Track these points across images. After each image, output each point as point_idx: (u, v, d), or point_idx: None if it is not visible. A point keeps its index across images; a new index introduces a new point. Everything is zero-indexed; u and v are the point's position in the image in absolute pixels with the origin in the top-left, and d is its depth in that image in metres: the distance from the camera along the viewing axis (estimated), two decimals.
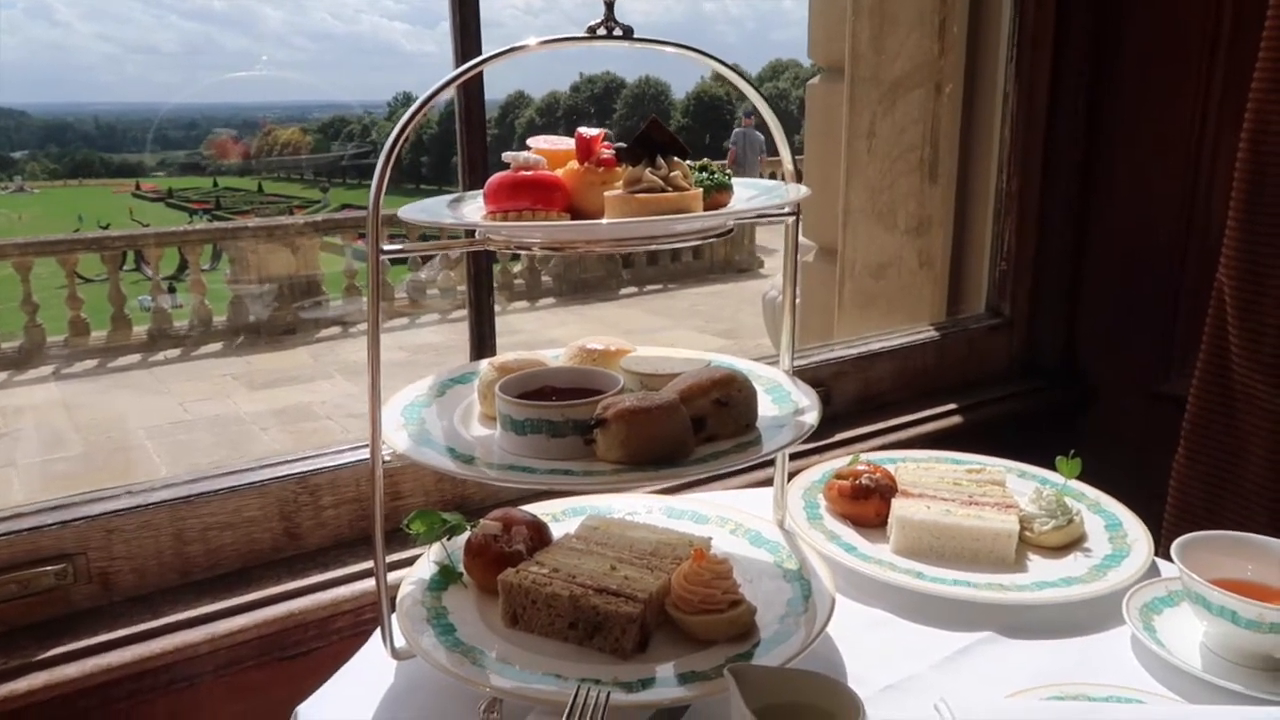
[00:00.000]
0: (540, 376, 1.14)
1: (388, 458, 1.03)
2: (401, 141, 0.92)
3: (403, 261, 10.48)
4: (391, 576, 1.20)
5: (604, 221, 0.98)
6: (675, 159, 1.02)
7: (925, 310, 2.78)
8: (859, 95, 2.89)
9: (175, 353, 8.78)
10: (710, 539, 1.21)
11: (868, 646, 1.18)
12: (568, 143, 1.13)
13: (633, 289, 10.80)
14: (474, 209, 1.07)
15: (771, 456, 1.03)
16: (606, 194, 1.01)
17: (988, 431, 2.35)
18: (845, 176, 2.97)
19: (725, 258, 11.92)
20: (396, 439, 1.04)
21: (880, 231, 2.93)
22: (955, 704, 0.97)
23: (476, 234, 1.04)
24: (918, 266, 2.89)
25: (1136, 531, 1.40)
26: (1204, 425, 1.92)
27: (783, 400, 1.16)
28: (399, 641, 1.09)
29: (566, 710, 0.92)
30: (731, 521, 1.34)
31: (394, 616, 1.12)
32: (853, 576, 1.29)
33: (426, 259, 9.74)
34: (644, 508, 1.38)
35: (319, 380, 8.41)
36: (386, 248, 0.97)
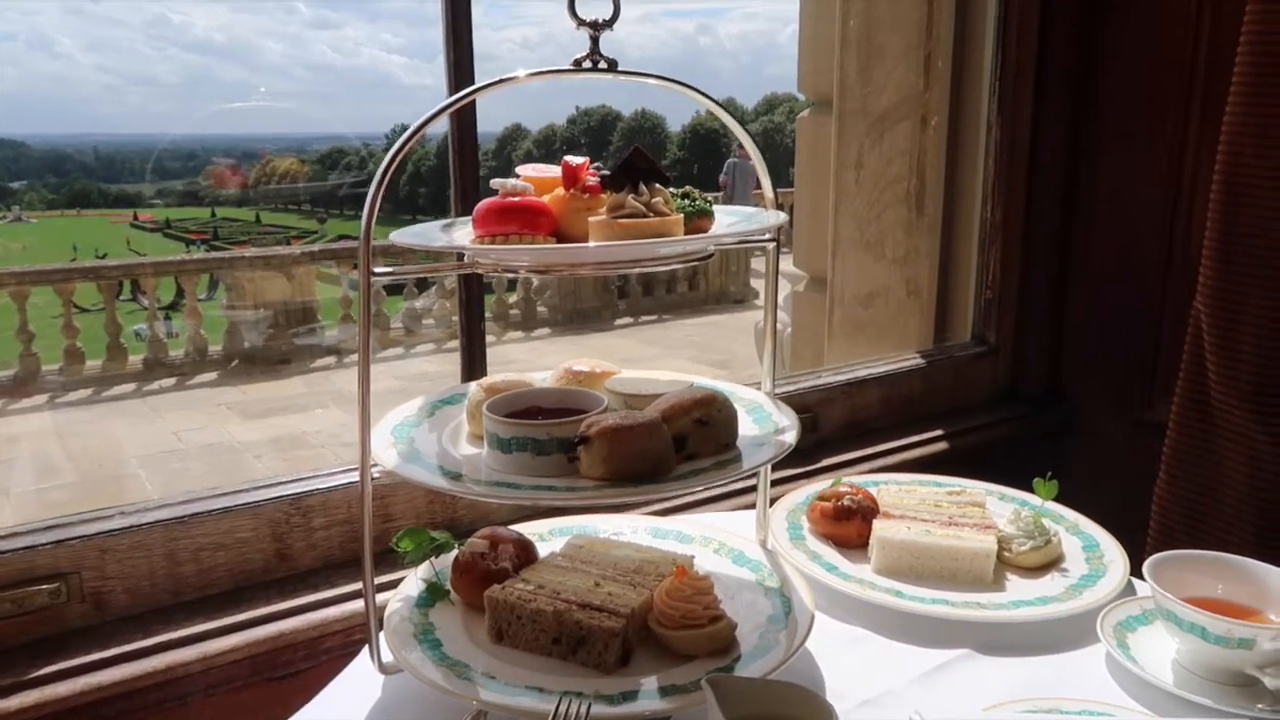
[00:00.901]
0: (527, 397, 1.17)
1: (377, 475, 1.06)
2: (393, 167, 0.96)
3: (399, 291, 10.52)
4: (380, 597, 1.22)
5: (589, 245, 1.01)
6: (657, 185, 1.05)
7: (913, 338, 2.82)
8: (847, 127, 2.95)
9: (170, 382, 8.79)
10: (693, 557, 1.23)
11: (846, 663, 1.20)
12: (555, 170, 1.17)
13: (628, 319, 10.86)
14: (464, 234, 1.11)
15: (752, 474, 1.06)
16: (591, 219, 1.05)
17: (973, 457, 2.38)
18: (834, 207, 3.03)
19: (720, 289, 11.99)
20: (385, 456, 1.07)
21: (869, 261, 2.98)
22: (930, 717, 0.99)
23: (466, 257, 1.07)
24: (905, 295, 2.93)
25: (1113, 553, 1.43)
26: (1183, 451, 1.95)
27: (763, 420, 1.19)
28: (386, 657, 1.11)
29: (550, 718, 0.94)
30: (715, 541, 1.37)
31: (381, 633, 1.14)
32: (833, 595, 1.31)
33: (422, 289, 9.81)
34: (630, 528, 1.41)
35: (313, 409, 8.42)
36: (378, 270, 1.00)
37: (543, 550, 1.28)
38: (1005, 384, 2.67)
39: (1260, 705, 1.11)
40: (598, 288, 10.96)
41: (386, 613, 1.17)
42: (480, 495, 1.01)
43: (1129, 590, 1.34)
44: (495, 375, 1.24)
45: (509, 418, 1.08)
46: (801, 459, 2.13)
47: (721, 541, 1.36)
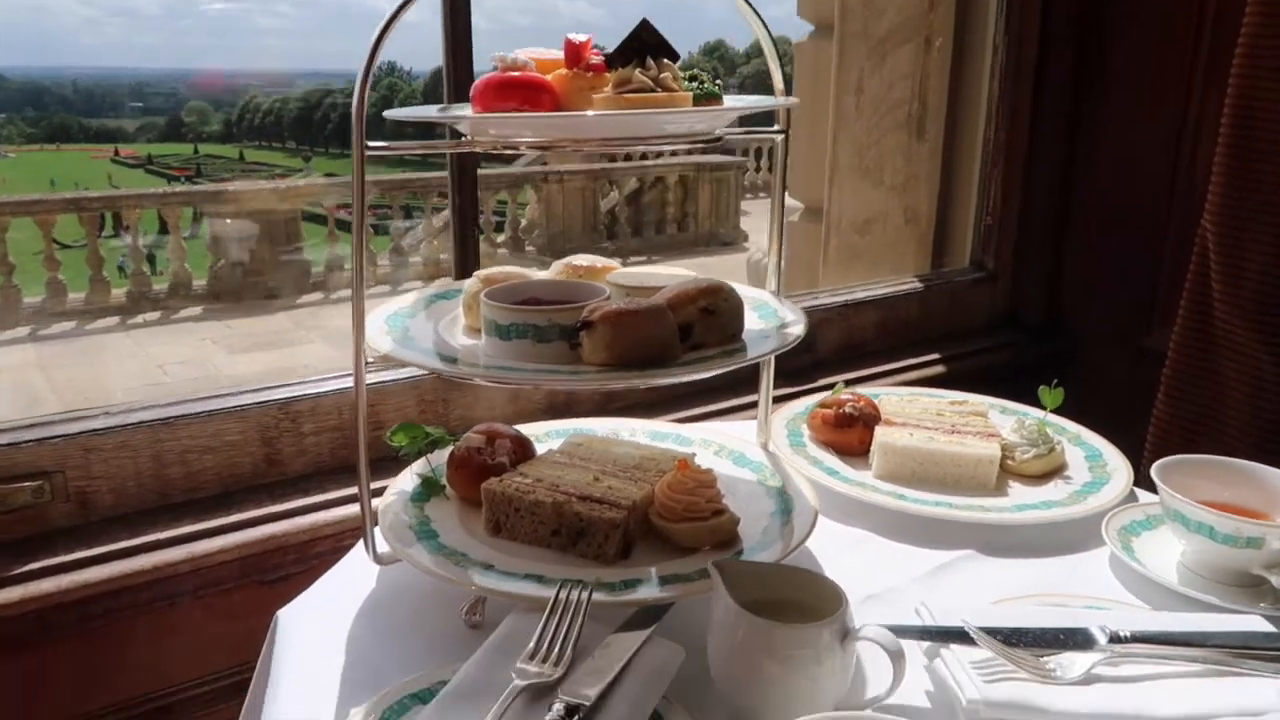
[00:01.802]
0: (526, 288, 1.13)
1: (370, 360, 1.02)
2: (388, 30, 0.91)
3: (384, 231, 10.38)
4: (375, 499, 1.19)
5: (592, 114, 0.97)
6: (666, 61, 1.00)
7: (910, 266, 2.78)
8: (848, 51, 2.87)
9: (154, 316, 8.69)
10: (694, 453, 1.20)
11: (849, 563, 1.18)
12: (556, 53, 1.11)
13: (616, 261, 10.76)
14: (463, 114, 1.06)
15: (757, 361, 1.03)
16: (595, 97, 1.00)
17: (969, 383, 2.36)
18: (832, 134, 2.96)
19: (710, 230, 11.92)
20: (380, 342, 1.03)
21: (866, 188, 2.93)
22: (936, 607, 0.98)
23: (464, 136, 1.03)
24: (903, 222, 2.89)
25: (1116, 461, 1.41)
26: (1184, 371, 1.93)
27: (769, 316, 1.16)
28: (382, 548, 1.09)
29: (548, 607, 0.92)
30: (715, 444, 1.34)
31: (376, 527, 1.11)
32: (834, 498, 1.29)
33: (408, 228, 9.69)
34: (627, 430, 1.38)
35: (300, 345, 8.35)
36: (372, 144, 0.96)
37: (540, 450, 1.25)
38: (1003, 310, 2.64)
39: (1262, 604, 1.10)
40: (586, 229, 10.86)
41: (381, 506, 1.15)
42: (479, 378, 0.98)
43: (1131, 499, 1.33)
44: (493, 268, 1.20)
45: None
46: (797, 379, 2.10)
47: (721, 444, 1.34)
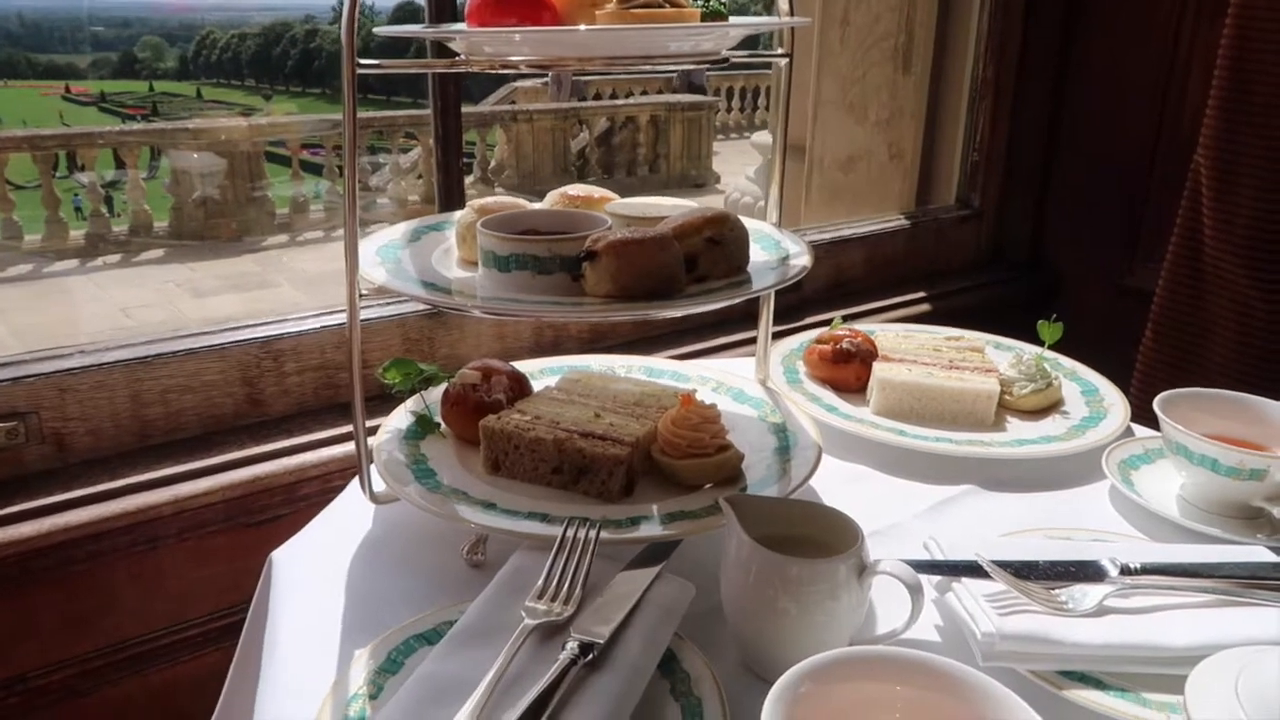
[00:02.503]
0: (524, 218, 1.09)
1: (364, 292, 0.98)
2: None
3: None
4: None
5: (595, 28, 0.92)
6: None
7: (893, 204, 2.75)
8: None
9: (115, 259, 8.49)
10: (695, 390, 1.18)
11: (849, 499, 1.16)
12: None
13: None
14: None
15: (765, 293, 1.00)
16: (599, 14, 0.95)
17: (954, 320, 2.35)
18: (816, 68, 2.90)
19: (681, 172, 11.82)
20: (374, 273, 0.99)
21: (850, 123, 2.88)
22: (945, 541, 0.97)
23: (457, 55, 0.98)
24: (887, 159, 2.85)
25: (1113, 396, 1.41)
26: (1172, 307, 1.93)
27: (772, 248, 1.13)
28: (378, 486, 1.06)
29: (556, 544, 0.90)
30: (713, 380, 1.32)
31: (372, 465, 1.08)
32: (833, 434, 1.27)
33: (376, 169, 9.50)
34: (623, 366, 1.35)
35: (266, 289, 8.21)
36: (363, 62, 0.90)
37: (536, 387, 1.22)
38: (988, 248, 2.63)
39: (1260, 535, 1.10)
40: (556, 169, 10.72)
41: (375, 444, 1.11)
42: (478, 309, 0.94)
43: (1128, 434, 1.33)
44: (488, 198, 1.16)
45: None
46: (784, 317, 2.08)
47: (720, 381, 1.32)
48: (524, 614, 0.82)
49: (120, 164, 8.70)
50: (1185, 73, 2.28)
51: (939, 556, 0.95)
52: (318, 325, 1.56)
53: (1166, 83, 2.32)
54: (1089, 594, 0.89)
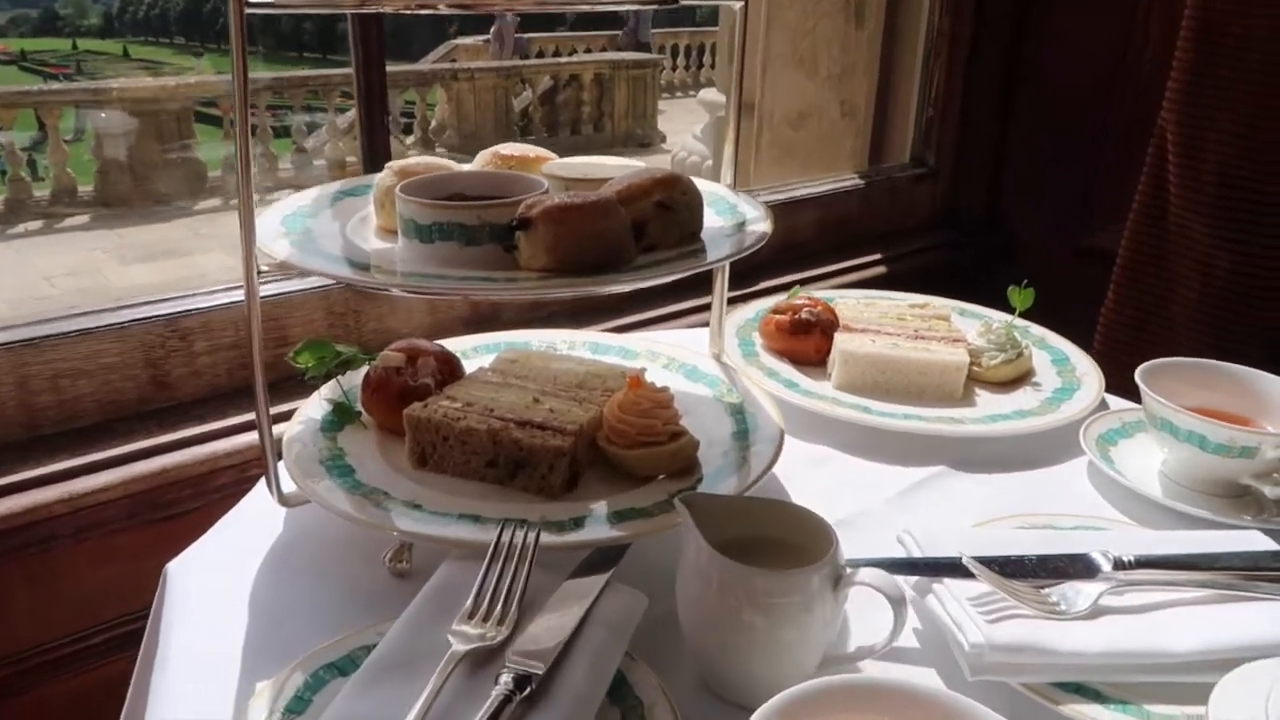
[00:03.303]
0: (450, 181, 0.96)
1: (264, 268, 0.85)
2: None
3: (286, 134, 9.81)
4: (278, 428, 1.04)
5: None
6: None
7: (845, 162, 2.66)
8: None
9: (36, 225, 8.09)
10: (644, 369, 1.07)
11: (813, 483, 1.08)
12: None
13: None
14: None
15: (721, 264, 0.90)
16: None
17: (909, 283, 2.28)
18: (765, 21, 2.79)
19: (626, 131, 11.62)
20: (276, 246, 0.87)
21: (801, 78, 2.78)
22: (921, 534, 0.88)
23: None
24: (839, 116, 2.75)
25: (1085, 365, 1.33)
26: (1135, 269, 1.87)
27: (727, 212, 1.02)
28: (287, 486, 0.94)
29: (489, 553, 0.79)
30: (663, 356, 1.21)
31: (280, 461, 0.96)
32: (794, 413, 1.18)
33: (312, 129, 9.16)
34: (565, 342, 1.24)
35: (198, 254, 7.90)
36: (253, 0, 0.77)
37: (468, 368, 1.11)
38: (941, 209, 2.55)
39: (1247, 516, 1.03)
40: (499, 129, 10.45)
41: (286, 437, 0.99)
42: (396, 288, 0.82)
43: (1103, 406, 1.25)
44: (410, 159, 1.03)
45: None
46: (734, 283, 1.96)
47: (671, 357, 1.21)
48: (451, 638, 0.71)
49: (42, 126, 8.27)
50: (1145, 29, 2.21)
51: (915, 552, 0.86)
52: (230, 300, 1.42)
53: (1126, 39, 2.25)
54: (1081, 593, 0.81)
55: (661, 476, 0.96)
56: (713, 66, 13.02)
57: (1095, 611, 0.79)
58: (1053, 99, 2.41)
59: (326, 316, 1.49)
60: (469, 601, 0.74)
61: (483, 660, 0.70)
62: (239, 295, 1.42)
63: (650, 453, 0.94)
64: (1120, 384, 1.24)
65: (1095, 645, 0.75)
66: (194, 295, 1.41)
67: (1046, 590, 0.81)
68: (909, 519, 1.01)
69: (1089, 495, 1.09)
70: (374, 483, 0.93)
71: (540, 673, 0.68)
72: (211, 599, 0.87)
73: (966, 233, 2.53)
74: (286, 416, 1.16)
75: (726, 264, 1.18)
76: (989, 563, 0.82)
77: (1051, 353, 1.37)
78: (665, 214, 0.91)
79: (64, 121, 8.29)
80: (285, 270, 0.84)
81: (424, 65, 11.73)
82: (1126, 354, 1.92)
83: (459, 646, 0.70)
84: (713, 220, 0.99)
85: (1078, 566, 0.84)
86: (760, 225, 0.97)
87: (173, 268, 7.48)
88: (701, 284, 1.88)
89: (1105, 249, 2.19)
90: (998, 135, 2.54)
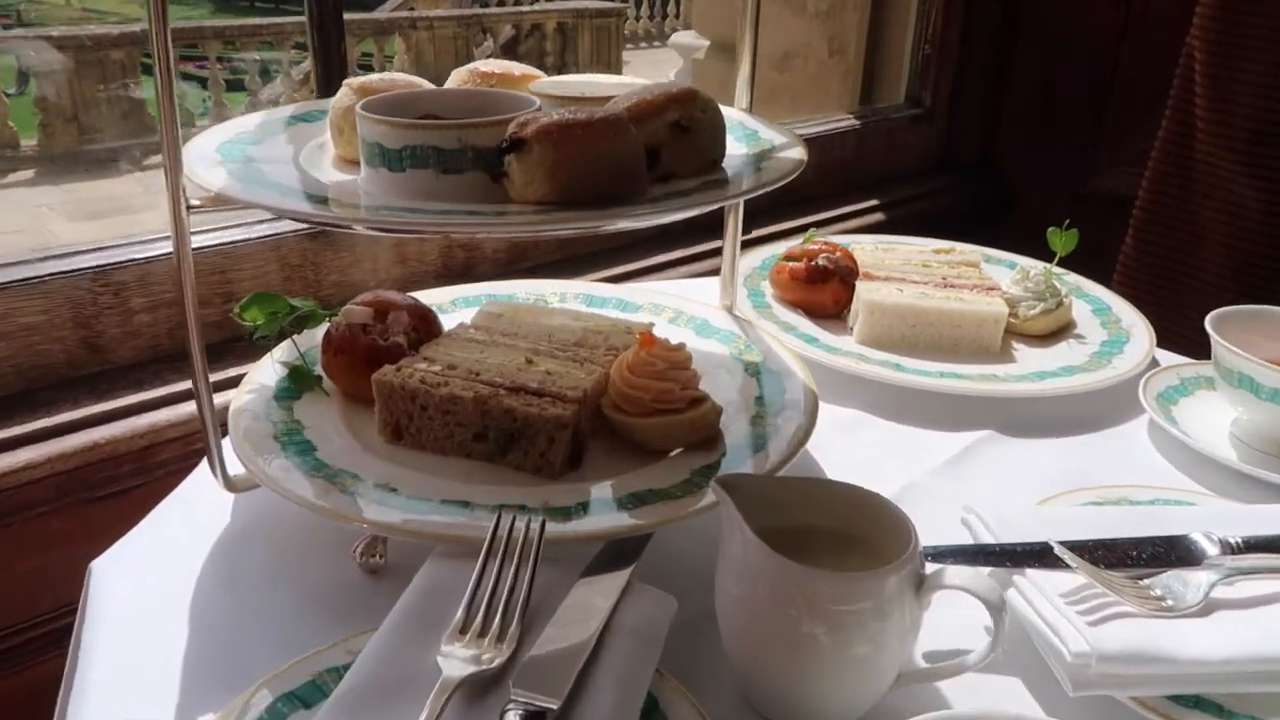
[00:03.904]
0: (421, 100, 0.80)
1: (195, 202, 0.69)
2: None
3: (240, 88, 9.43)
4: (226, 395, 0.88)
5: None
6: None
7: (834, 105, 2.51)
8: None
9: None
10: (653, 324, 0.93)
11: (845, 453, 0.95)
12: None
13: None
14: None
15: (750, 196, 0.75)
16: None
17: (907, 230, 2.15)
18: None
19: (589, 62, 11.33)
20: (210, 175, 0.71)
21: (786, 15, 2.61)
22: (990, 515, 0.75)
23: None
24: (827, 55, 2.60)
25: (1131, 316, 1.20)
26: (1158, 212, 1.75)
27: (750, 139, 0.87)
28: (235, 468, 0.78)
29: (485, 547, 0.64)
30: (669, 309, 1.07)
31: (227, 438, 0.81)
32: (815, 372, 1.04)
33: (266, 79, 8.80)
34: (555, 294, 1.09)
35: (148, 211, 7.58)
36: None
37: (447, 324, 0.95)
38: (938, 152, 2.41)
39: None
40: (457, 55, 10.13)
41: (233, 408, 0.84)
42: (361, 224, 0.67)
43: (1152, 361, 1.13)
44: (372, 75, 0.86)
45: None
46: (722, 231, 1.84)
47: (677, 310, 1.06)
48: (440, 662, 0.57)
49: None
50: None
51: (986, 537, 0.73)
52: (170, 250, 1.25)
53: None
54: (1189, 584, 0.68)
55: (679, 450, 0.81)
56: (678, 16, 12.72)
57: (1208, 606, 0.66)
58: (1057, 34, 2.27)
59: (281, 269, 1.33)
60: (460, 612, 0.60)
61: (481, 690, 0.56)
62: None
63: (666, 421, 0.80)
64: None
65: (1220, 651, 0.62)
66: (128, 245, 1.24)
67: (1146, 581, 0.69)
68: (962, 493, 0.88)
69: (1154, 462, 0.97)
70: (339, 462, 0.77)
71: (555, 708, 0.54)
72: (143, 607, 0.72)
73: (962, 176, 2.40)
74: (236, 384, 1.01)
75: (742, 201, 1.04)
76: (1077, 549, 0.69)
77: (1091, 302, 1.25)
78: (682, 137, 0.76)
79: (5, 74, 7.89)
80: (220, 204, 0.68)
81: (381, 14, 11.33)
82: (1151, 302, 1.80)
83: (451, 673, 0.56)
84: (734, 148, 0.84)
85: (1178, 551, 0.71)
86: (793, 151, 0.82)
87: (124, 224, 7.18)
88: (699, 227, 1.75)
89: (1108, 194, 2.07)
90: (997, 74, 2.39)
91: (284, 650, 0.64)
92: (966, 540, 0.75)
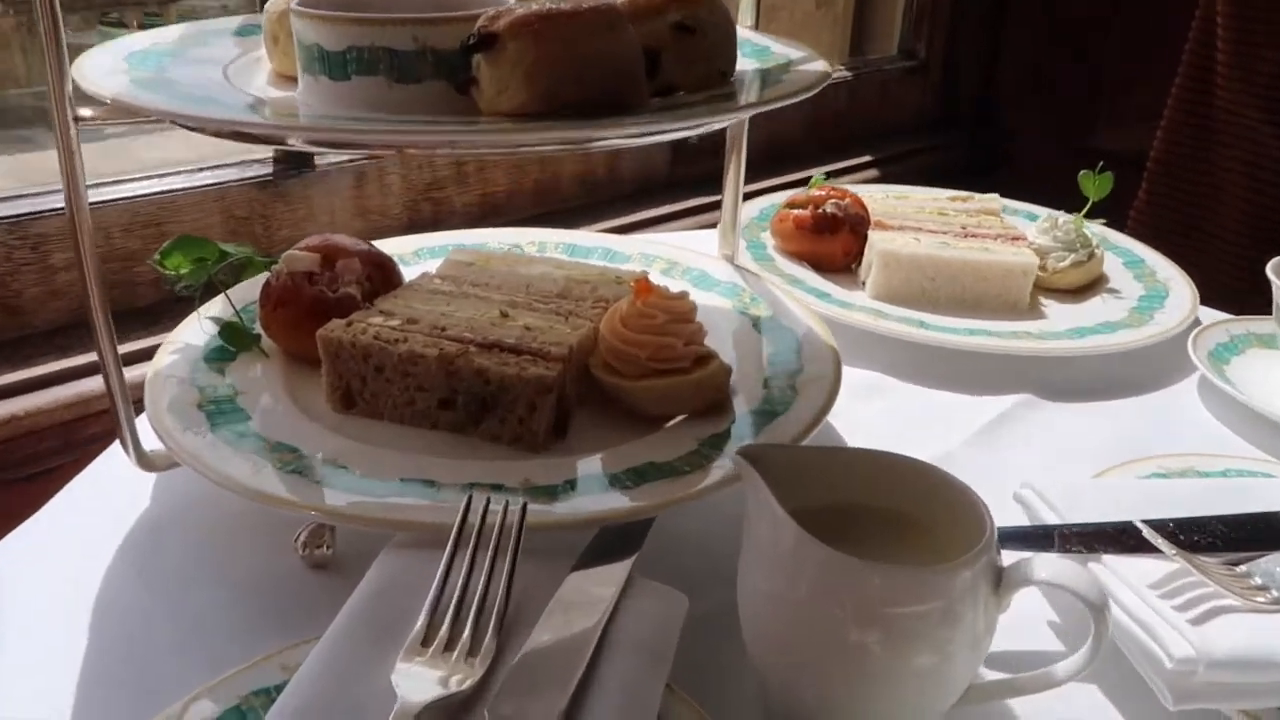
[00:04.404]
0: (371, 2, 0.67)
1: (89, 114, 0.56)
2: None
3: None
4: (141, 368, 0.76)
5: None
6: None
7: (821, 57, 2.38)
8: None
9: None
10: (645, 272, 0.81)
11: (867, 420, 0.83)
12: None
13: None
14: None
15: (777, 106, 0.63)
16: None
17: (902, 184, 2.05)
18: None
19: None
20: (107, 82, 0.57)
21: None
22: (1052, 491, 0.63)
23: None
24: (814, 6, 2.46)
25: (1168, 270, 1.10)
26: (1173, 162, 1.64)
27: (761, 54, 0.75)
28: (151, 444, 0.66)
29: (453, 536, 0.52)
30: (661, 259, 0.94)
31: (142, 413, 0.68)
32: (830, 329, 0.92)
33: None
34: (533, 244, 0.96)
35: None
36: None
37: (408, 276, 0.83)
38: (933, 105, 2.30)
39: None
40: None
41: (150, 372, 0.71)
42: (299, 135, 0.54)
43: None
44: None
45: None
46: (717, 187, 1.72)
47: (671, 260, 0.94)
48: (396, 683, 0.45)
49: None
50: None
51: (1049, 517, 0.62)
52: (97, 198, 1.11)
53: None
54: None
55: (681, 417, 0.69)
56: None
57: None
58: None
59: (225, 221, 1.19)
60: (421, 619, 0.48)
61: (452, 717, 0.44)
62: (114, 192, 1.13)
63: (667, 384, 0.68)
64: None
65: None
66: (47, 194, 1.10)
67: (1243, 568, 0.58)
68: (1004, 465, 0.77)
69: (1210, 426, 0.86)
70: (278, 434, 0.65)
71: None
72: (44, 607, 0.59)
73: (959, 132, 2.29)
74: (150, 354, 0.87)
75: (744, 135, 0.91)
76: (1158, 529, 0.58)
77: (1121, 254, 1.14)
78: (686, 40, 0.63)
79: None
80: (116, 115, 0.55)
81: None
82: (1166, 252, 1.71)
83: (410, 698, 0.44)
84: (745, 63, 0.72)
85: (1273, 531, 0.60)
86: (815, 64, 0.70)
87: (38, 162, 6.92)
88: (690, 184, 1.63)
89: (1110, 150, 1.97)
90: (994, 26, 2.28)
91: (205, 663, 0.52)
92: (1018, 521, 0.64)
